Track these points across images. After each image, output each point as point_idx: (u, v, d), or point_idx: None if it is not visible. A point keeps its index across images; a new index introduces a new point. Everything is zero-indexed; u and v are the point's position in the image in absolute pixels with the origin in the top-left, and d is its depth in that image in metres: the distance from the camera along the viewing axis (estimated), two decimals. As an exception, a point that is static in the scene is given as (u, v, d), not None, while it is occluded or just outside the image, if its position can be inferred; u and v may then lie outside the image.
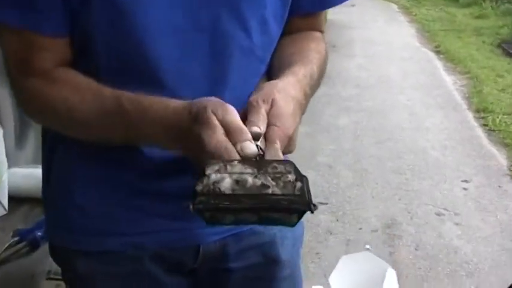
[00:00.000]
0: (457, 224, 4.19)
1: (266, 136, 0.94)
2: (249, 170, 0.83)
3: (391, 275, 1.08)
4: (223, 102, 0.96)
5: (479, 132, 6.05)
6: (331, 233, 4.04)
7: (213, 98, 0.97)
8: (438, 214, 4.32)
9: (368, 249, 3.84)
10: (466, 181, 4.85)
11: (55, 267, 2.08)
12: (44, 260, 2.08)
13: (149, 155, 1.13)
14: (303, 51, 1.20)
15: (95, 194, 1.19)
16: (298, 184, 0.82)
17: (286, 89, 1.03)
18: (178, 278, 1.28)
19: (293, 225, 0.84)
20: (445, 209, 4.39)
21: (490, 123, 6.23)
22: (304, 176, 0.84)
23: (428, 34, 11.18)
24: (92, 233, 1.20)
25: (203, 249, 1.24)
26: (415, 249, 3.87)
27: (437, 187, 4.75)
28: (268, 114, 0.97)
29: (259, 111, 0.97)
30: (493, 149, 5.57)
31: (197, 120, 0.93)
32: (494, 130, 6.06)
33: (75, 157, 1.19)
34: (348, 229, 4.10)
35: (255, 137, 0.92)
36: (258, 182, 0.81)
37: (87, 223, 1.20)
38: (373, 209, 4.40)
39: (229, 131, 0.92)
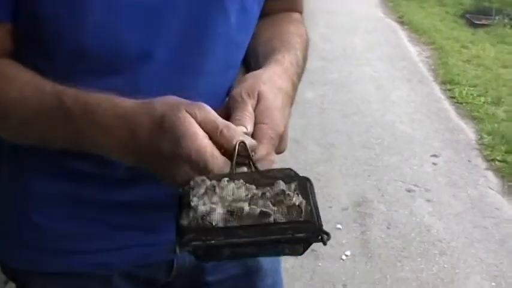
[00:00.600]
0: (428, 200, 4.13)
1: (254, 136, 0.82)
2: (243, 192, 0.70)
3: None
4: (193, 101, 0.81)
5: (447, 104, 6.00)
6: (301, 212, 3.92)
7: (177, 97, 0.83)
8: (409, 190, 4.25)
9: (339, 228, 3.75)
10: (435, 156, 4.78)
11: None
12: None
13: (111, 161, 0.95)
14: (283, 36, 1.08)
15: (52, 208, 1.03)
16: (304, 206, 0.69)
17: (272, 79, 0.90)
18: None
19: (299, 254, 0.72)
20: (415, 185, 4.32)
21: (457, 95, 6.18)
22: (312, 193, 0.71)
23: (391, 4, 11.08)
24: (51, 252, 1.05)
25: (177, 264, 1.12)
26: (387, 227, 3.80)
27: (406, 162, 4.68)
28: (255, 110, 0.85)
29: (244, 107, 0.84)
30: (461, 122, 5.52)
31: (167, 123, 0.78)
32: (461, 103, 6.01)
33: (26, 166, 1.03)
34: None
35: None
36: (256, 210, 0.67)
37: (44, 241, 1.05)
38: (343, 186, 4.31)
39: (214, 133, 0.78)
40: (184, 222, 0.67)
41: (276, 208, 0.68)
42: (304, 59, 1.07)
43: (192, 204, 0.68)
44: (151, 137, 0.80)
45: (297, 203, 0.68)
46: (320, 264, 3.40)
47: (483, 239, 3.68)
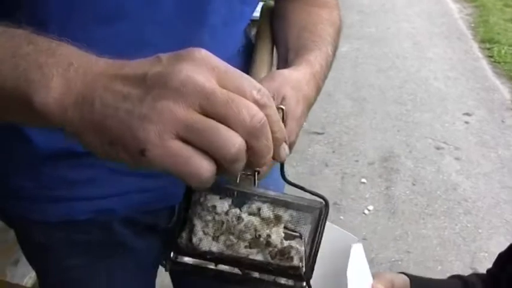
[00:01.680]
0: (457, 158, 4.07)
1: None
2: (250, 233, 0.67)
3: (357, 250, 0.95)
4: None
5: (484, 63, 5.87)
6: (326, 165, 3.91)
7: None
8: (438, 148, 4.19)
9: (363, 183, 3.73)
10: (468, 114, 4.70)
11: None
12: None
13: None
14: (316, 27, 1.04)
15: (52, 158, 0.99)
16: (303, 265, 0.68)
17: (299, 85, 0.87)
18: (151, 239, 1.14)
19: None
20: (445, 142, 4.26)
21: (495, 54, 6.03)
22: (321, 230, 0.69)
23: (435, -41, 10.84)
24: (50, 200, 1.03)
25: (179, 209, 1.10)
26: (413, 184, 3.75)
27: (438, 119, 4.60)
28: None
29: None
30: (497, 82, 5.39)
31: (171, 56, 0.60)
32: (499, 62, 5.87)
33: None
34: (344, 161, 3.98)
35: None
36: (255, 261, 0.66)
37: (44, 190, 1.02)
38: (371, 140, 4.27)
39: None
40: (183, 243, 0.66)
41: (274, 261, 0.67)
42: (335, 50, 1.04)
43: (194, 240, 0.65)
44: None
45: (296, 264, 0.67)
46: (342, 217, 3.39)
47: (510, 200, 3.62)
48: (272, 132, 0.59)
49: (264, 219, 0.67)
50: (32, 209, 1.05)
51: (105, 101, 0.57)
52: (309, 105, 0.90)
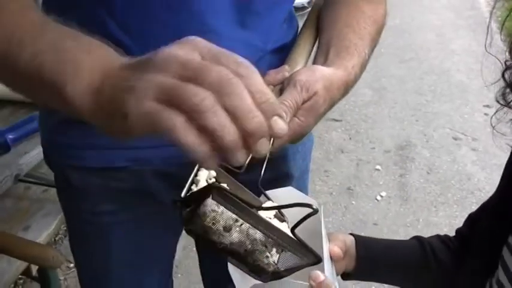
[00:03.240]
0: (473, 149, 4.06)
1: None
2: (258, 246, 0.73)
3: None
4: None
5: (509, 57, 5.80)
6: (342, 151, 3.93)
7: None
8: (455, 138, 4.19)
9: (378, 170, 3.74)
10: (488, 106, 4.66)
11: (24, 171, 2.00)
12: (12, 164, 2.00)
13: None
14: (360, 25, 1.07)
15: None
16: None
17: (331, 87, 0.93)
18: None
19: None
20: (463, 133, 4.25)
21: (521, 48, 5.97)
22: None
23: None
24: (92, 148, 1.11)
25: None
26: (427, 173, 3.76)
27: (457, 111, 4.59)
28: (302, 103, 0.90)
29: (296, 98, 0.88)
30: (521, 76, 5.34)
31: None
32: (524, 56, 5.81)
33: None
34: (360, 148, 3.99)
35: None
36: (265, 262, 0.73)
37: (87, 138, 1.09)
38: (389, 129, 4.27)
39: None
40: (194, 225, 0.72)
41: (251, 259, 0.73)
42: (372, 50, 1.08)
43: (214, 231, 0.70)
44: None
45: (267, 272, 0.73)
46: (354, 202, 3.41)
47: (525, 192, 3.60)
48: (257, 103, 0.59)
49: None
50: (74, 155, 1.14)
51: (112, 85, 0.66)
52: (331, 107, 0.95)
